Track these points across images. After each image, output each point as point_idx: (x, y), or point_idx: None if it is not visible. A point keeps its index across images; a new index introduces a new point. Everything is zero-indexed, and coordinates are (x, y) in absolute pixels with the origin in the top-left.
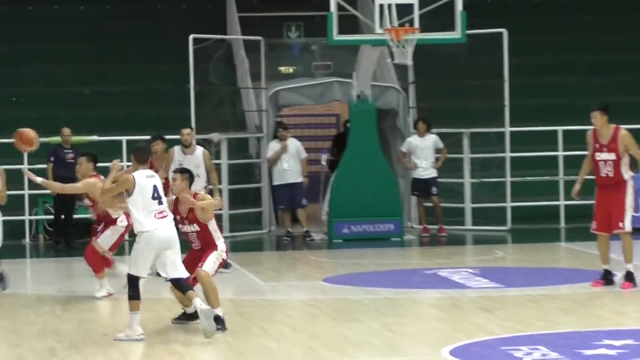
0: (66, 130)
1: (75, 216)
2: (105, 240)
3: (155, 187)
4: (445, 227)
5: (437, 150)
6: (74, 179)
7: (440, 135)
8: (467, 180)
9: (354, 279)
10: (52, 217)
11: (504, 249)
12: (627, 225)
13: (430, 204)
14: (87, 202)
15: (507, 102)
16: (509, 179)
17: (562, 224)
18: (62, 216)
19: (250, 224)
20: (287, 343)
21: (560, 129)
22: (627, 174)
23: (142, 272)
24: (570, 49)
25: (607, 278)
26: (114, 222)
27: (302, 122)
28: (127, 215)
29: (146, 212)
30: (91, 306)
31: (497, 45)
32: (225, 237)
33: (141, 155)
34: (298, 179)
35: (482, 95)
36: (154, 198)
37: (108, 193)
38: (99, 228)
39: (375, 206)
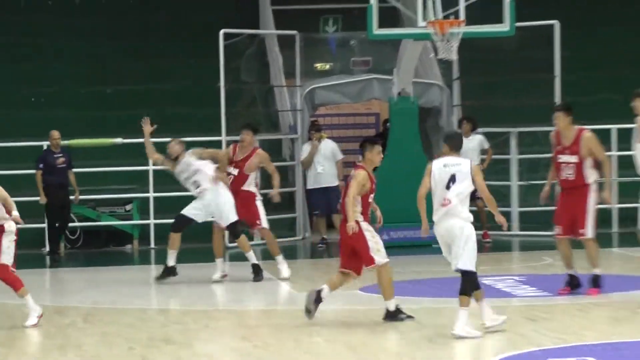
0: (55, 133)
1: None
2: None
3: (452, 177)
4: (490, 232)
5: (483, 151)
6: (65, 186)
7: (486, 135)
8: (515, 183)
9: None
10: (74, 225)
11: (553, 256)
12: (589, 231)
13: (474, 208)
14: None
15: (558, 99)
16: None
17: (615, 228)
18: (57, 224)
19: (284, 230)
20: (322, 355)
21: (614, 127)
22: (591, 177)
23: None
24: (627, 40)
25: (572, 283)
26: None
27: (339, 122)
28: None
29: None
30: (113, 318)
31: (549, 38)
32: (256, 245)
33: (455, 143)
34: (334, 182)
35: (531, 92)
36: (447, 188)
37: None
38: None
39: (416, 211)
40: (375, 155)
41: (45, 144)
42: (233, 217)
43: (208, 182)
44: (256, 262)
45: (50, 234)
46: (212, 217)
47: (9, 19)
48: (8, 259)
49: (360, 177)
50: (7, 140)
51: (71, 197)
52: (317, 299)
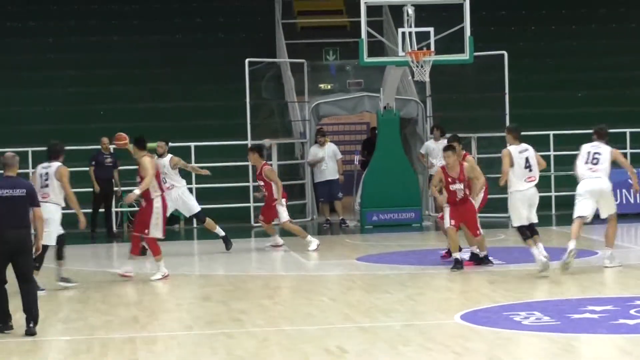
0: (105, 140)
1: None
2: None
3: (527, 159)
4: None
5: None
6: (111, 180)
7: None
8: None
9: (382, 258)
10: (134, 209)
11: (506, 233)
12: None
13: None
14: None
15: (507, 111)
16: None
17: (553, 211)
18: (101, 209)
19: (296, 213)
20: (327, 310)
21: (551, 133)
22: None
23: None
24: (559, 68)
25: (477, 260)
26: None
27: (338, 130)
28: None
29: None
30: (164, 281)
31: (499, 64)
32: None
33: (518, 133)
34: (335, 176)
35: (486, 106)
36: (525, 167)
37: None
38: None
39: (399, 198)
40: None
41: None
42: (196, 208)
43: (175, 182)
44: (224, 234)
45: (93, 215)
46: (177, 209)
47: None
48: (156, 232)
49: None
50: (79, 144)
51: (115, 189)
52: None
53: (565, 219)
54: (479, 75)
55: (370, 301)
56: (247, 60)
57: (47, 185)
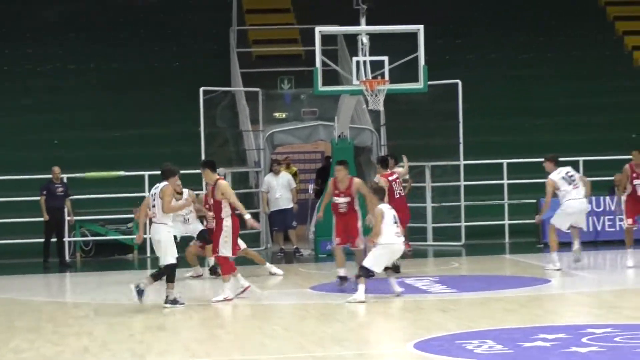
0: (56, 169)
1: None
2: None
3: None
4: (410, 242)
5: (404, 180)
6: (62, 209)
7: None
8: (429, 205)
9: (335, 287)
10: (87, 239)
11: (459, 261)
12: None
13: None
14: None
15: (461, 140)
16: (463, 203)
17: (507, 239)
18: (52, 239)
19: (251, 242)
20: (280, 340)
21: (505, 161)
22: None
23: None
24: (512, 96)
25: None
26: None
27: (293, 158)
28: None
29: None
30: (117, 311)
31: (453, 93)
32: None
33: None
34: (289, 205)
35: (440, 135)
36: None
37: None
38: None
39: None
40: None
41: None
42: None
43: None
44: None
45: (45, 245)
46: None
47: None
48: (225, 251)
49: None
50: (24, 173)
51: (68, 218)
52: None
53: (519, 246)
54: (433, 104)
55: (323, 330)
56: (201, 89)
57: (154, 206)
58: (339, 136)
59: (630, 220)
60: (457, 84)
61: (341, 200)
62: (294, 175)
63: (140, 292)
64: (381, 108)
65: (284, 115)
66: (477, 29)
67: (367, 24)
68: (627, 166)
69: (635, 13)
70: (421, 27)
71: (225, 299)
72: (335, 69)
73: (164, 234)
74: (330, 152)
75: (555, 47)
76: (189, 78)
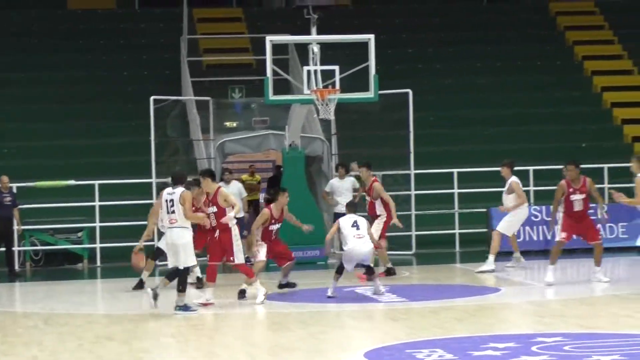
0: (5, 178)
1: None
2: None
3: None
4: None
5: (354, 190)
6: (11, 219)
7: (356, 177)
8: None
9: (286, 296)
10: (37, 248)
11: (410, 270)
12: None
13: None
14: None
15: (411, 149)
16: (413, 212)
17: (457, 248)
18: (1, 249)
19: (203, 252)
20: (230, 349)
21: (455, 170)
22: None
23: None
24: (462, 105)
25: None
26: None
27: (244, 167)
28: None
29: None
30: (67, 320)
31: (404, 103)
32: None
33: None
34: (240, 214)
35: (391, 144)
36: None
37: None
38: None
39: (304, 236)
40: (284, 199)
41: None
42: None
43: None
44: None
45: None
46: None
47: None
48: (241, 256)
49: (264, 214)
50: None
51: (16, 227)
52: None
53: (469, 255)
54: (384, 113)
55: (274, 339)
56: (152, 98)
57: (173, 212)
58: (290, 145)
59: (564, 235)
60: (407, 93)
61: (276, 227)
62: (258, 183)
63: (155, 296)
64: (332, 117)
65: (234, 125)
66: (427, 39)
67: (318, 33)
68: (563, 182)
69: (586, 23)
70: (372, 37)
71: (263, 297)
72: (286, 78)
73: (188, 237)
74: (281, 161)
75: (506, 57)
76: (139, 87)
